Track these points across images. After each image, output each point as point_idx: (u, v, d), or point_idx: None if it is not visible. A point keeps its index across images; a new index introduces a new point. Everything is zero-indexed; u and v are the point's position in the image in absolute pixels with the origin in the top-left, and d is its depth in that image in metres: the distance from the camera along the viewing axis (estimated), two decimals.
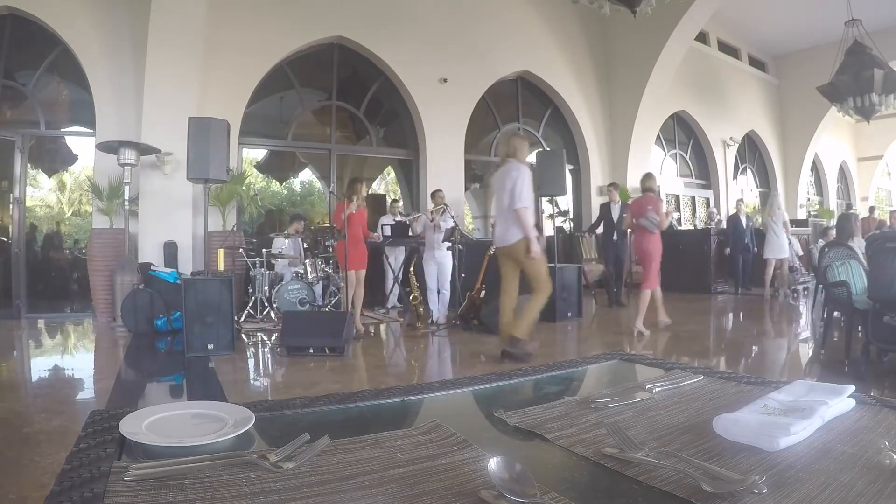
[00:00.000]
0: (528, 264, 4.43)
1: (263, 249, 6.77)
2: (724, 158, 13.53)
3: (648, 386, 0.93)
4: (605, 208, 8.30)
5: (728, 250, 9.41)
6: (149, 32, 6.57)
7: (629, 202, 6.93)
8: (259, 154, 11.28)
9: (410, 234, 7.19)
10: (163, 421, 0.79)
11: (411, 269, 6.61)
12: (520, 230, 4.35)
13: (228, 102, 7.45)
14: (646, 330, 5.56)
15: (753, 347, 5.38)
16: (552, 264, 6.80)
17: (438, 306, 6.47)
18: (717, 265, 9.57)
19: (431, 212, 6.60)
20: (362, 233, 5.82)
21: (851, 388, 0.83)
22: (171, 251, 6.79)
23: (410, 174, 9.92)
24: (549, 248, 8.47)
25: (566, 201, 10.89)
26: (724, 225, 10.29)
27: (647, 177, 6.08)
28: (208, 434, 0.74)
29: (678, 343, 5.45)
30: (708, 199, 13.45)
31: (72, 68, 7.05)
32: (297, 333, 4.78)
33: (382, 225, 7.83)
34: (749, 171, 15.09)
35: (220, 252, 5.56)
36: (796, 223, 12.10)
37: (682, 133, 13.31)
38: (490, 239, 8.01)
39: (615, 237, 8.02)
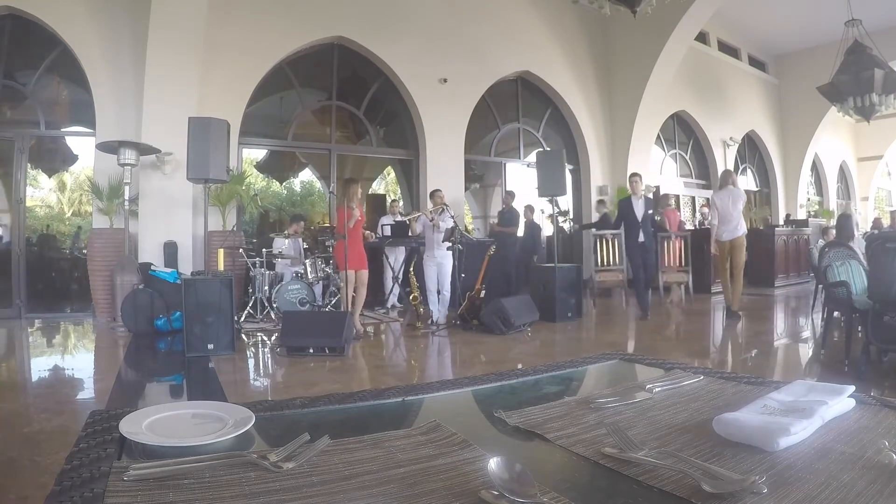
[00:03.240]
0: (738, 253, 6.43)
1: (263, 249, 6.77)
2: (724, 158, 13.52)
3: (648, 386, 0.93)
4: (626, 204, 6.91)
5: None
6: (149, 32, 6.57)
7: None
8: (259, 154, 11.26)
9: (410, 233, 7.19)
10: (163, 421, 0.79)
11: (411, 269, 6.61)
12: (740, 229, 6.47)
13: (228, 102, 7.44)
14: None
15: (753, 347, 5.38)
16: (551, 264, 6.82)
17: (438, 306, 6.47)
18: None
19: (430, 211, 6.59)
20: (360, 234, 5.83)
21: (851, 388, 0.83)
22: (171, 251, 6.79)
23: (410, 174, 9.91)
24: (549, 248, 8.49)
25: (566, 201, 10.88)
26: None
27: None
28: (208, 434, 0.74)
29: (679, 343, 5.45)
30: (707, 199, 13.44)
31: (72, 68, 7.05)
32: (297, 333, 4.78)
33: (382, 225, 7.83)
34: (749, 170, 15.08)
35: (220, 252, 5.57)
36: (796, 223, 12.14)
37: (682, 133, 13.30)
38: (488, 240, 8.04)
39: (641, 238, 6.78)
